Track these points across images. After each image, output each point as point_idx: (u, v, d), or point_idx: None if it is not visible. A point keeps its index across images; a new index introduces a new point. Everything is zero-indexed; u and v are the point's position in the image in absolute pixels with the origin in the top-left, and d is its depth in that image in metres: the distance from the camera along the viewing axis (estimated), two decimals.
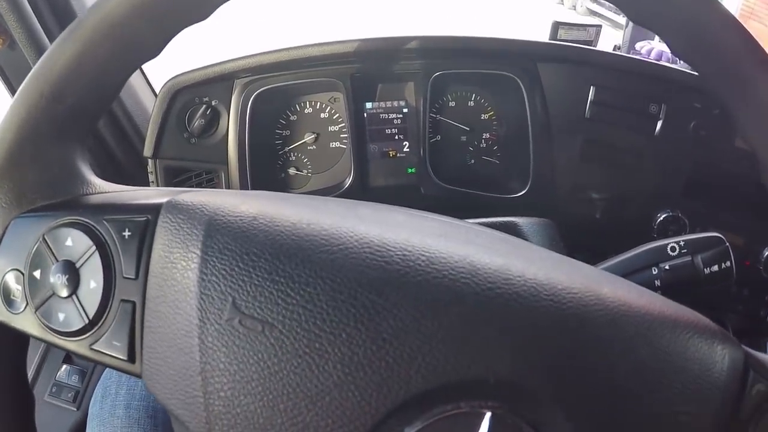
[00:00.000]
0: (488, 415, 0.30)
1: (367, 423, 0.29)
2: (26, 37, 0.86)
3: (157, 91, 0.92)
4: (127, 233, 0.34)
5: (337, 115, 1.01)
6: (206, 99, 0.92)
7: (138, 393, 0.73)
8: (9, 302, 0.35)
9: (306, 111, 1.01)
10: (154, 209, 0.34)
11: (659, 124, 0.94)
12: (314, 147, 1.02)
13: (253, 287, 0.31)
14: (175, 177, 0.95)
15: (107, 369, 0.80)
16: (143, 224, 0.34)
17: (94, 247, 0.34)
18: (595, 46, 1.01)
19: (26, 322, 0.35)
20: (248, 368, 0.30)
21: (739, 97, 0.39)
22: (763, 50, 0.38)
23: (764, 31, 5.54)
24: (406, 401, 0.30)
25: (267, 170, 1.00)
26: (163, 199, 0.35)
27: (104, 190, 0.38)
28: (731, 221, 0.94)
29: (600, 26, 1.05)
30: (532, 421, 0.30)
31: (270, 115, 0.99)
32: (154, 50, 0.38)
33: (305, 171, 1.03)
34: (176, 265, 0.32)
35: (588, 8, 7.11)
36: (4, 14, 0.84)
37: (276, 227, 0.33)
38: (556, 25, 1.01)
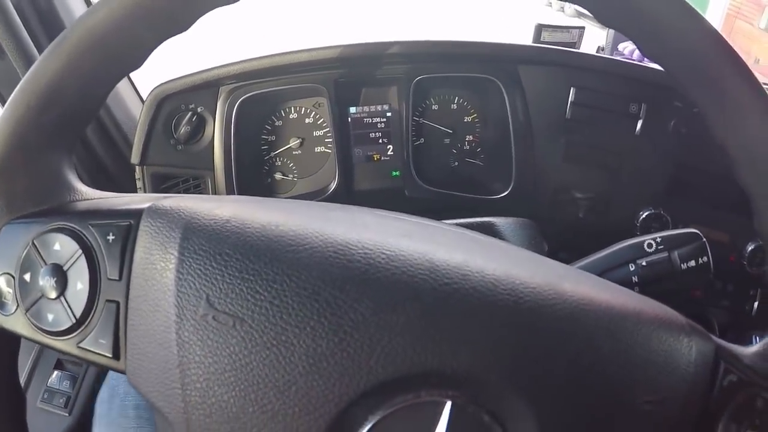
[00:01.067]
0: (449, 404, 0.31)
1: (331, 411, 0.31)
2: (15, 48, 0.87)
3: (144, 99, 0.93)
4: (111, 237, 0.35)
5: (322, 119, 1.02)
6: (192, 106, 0.94)
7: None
8: (0, 304, 0.37)
9: (291, 116, 1.02)
10: (137, 214, 0.36)
11: (640, 123, 0.96)
12: (299, 152, 1.03)
13: (225, 285, 0.33)
14: (162, 183, 0.96)
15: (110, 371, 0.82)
16: (126, 228, 0.35)
17: (80, 251, 0.36)
18: (578, 47, 1.02)
19: (17, 323, 0.37)
20: (221, 360, 0.32)
21: (706, 95, 0.40)
22: (729, 47, 0.39)
23: (751, 31, 5.56)
24: (367, 391, 0.31)
25: (253, 175, 1.01)
26: (145, 205, 0.36)
27: (90, 196, 0.40)
28: (714, 218, 0.96)
29: (583, 28, 1.06)
30: (492, 411, 0.32)
31: (255, 121, 1.00)
32: (136, 62, 0.40)
33: (291, 176, 1.04)
34: (156, 265, 0.34)
35: (576, 9, 7.13)
36: None
37: (247, 229, 0.34)
38: (539, 28, 1.03)
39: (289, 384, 0.31)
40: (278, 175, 1.04)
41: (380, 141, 1.03)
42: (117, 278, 0.35)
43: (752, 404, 0.37)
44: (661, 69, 0.42)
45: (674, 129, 0.95)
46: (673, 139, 0.95)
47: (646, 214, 0.97)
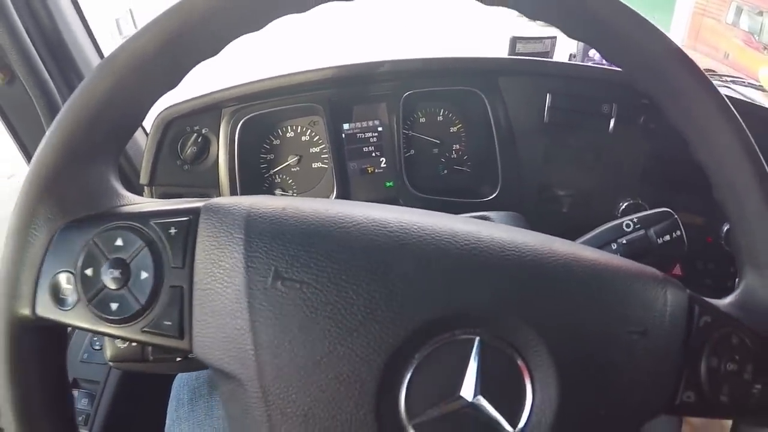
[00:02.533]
0: (477, 339, 0.39)
1: (387, 350, 0.37)
2: (28, 72, 0.93)
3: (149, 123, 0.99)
4: (173, 230, 0.40)
5: (318, 137, 1.09)
6: (197, 128, 1.00)
7: (205, 392, 0.78)
8: (59, 300, 0.40)
9: (288, 135, 1.09)
10: (194, 212, 0.41)
11: (612, 122, 1.04)
12: (298, 168, 1.10)
13: (290, 257, 0.39)
14: None
15: (179, 375, 0.86)
16: (186, 223, 0.40)
17: (143, 244, 0.40)
18: (551, 56, 1.11)
19: (77, 316, 0.40)
20: (290, 319, 0.38)
21: (656, 87, 0.47)
22: (669, 41, 0.46)
23: (717, 27, 5.80)
24: (414, 331, 0.38)
25: (256, 192, 1.07)
26: (200, 204, 0.42)
27: (135, 201, 0.44)
28: (689, 202, 1.03)
29: (555, 38, 1.15)
30: (511, 342, 0.39)
31: (255, 140, 1.06)
32: (174, 82, 0.45)
33: (291, 191, 1.10)
34: (223, 249, 0.39)
35: None
36: (7, 51, 0.92)
37: (302, 213, 0.41)
38: (514, 40, 1.11)
39: (351, 331, 0.37)
40: (279, 191, 1.09)
41: (373, 154, 1.10)
42: (180, 266, 0.40)
43: (728, 341, 0.44)
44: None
45: (644, 125, 1.03)
46: (643, 134, 1.03)
47: (625, 204, 1.05)
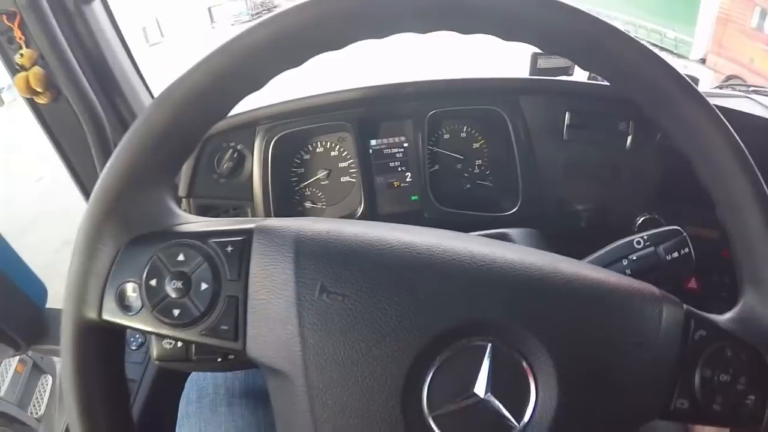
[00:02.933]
0: (489, 345, 0.45)
1: (413, 352, 0.43)
2: (73, 91, 1.00)
3: None
4: (229, 248, 0.46)
5: (346, 152, 1.15)
6: (233, 144, 1.06)
7: (237, 391, 0.85)
8: (124, 307, 0.45)
9: (318, 150, 1.15)
10: (248, 232, 0.47)
11: (629, 139, 1.08)
12: (327, 182, 1.15)
13: (334, 274, 0.44)
14: (206, 213, 1.08)
15: (193, 374, 0.91)
16: (241, 242, 0.46)
17: (203, 260, 0.46)
18: (572, 72, 1.14)
19: (142, 320, 0.45)
20: (333, 326, 0.44)
21: (657, 111, 0.50)
22: (665, 64, 0.48)
23: (742, 32, 5.73)
24: (436, 338, 0.44)
25: (287, 204, 1.13)
26: (251, 225, 0.47)
27: (191, 220, 0.50)
28: (704, 217, 1.04)
29: None
30: (519, 349, 0.45)
31: (287, 155, 1.13)
32: (225, 111, 0.50)
33: (320, 204, 1.16)
34: (275, 266, 0.45)
35: None
36: (56, 72, 0.99)
37: (344, 236, 0.46)
38: (535, 56, 1.15)
39: (383, 336, 0.43)
40: (308, 204, 1.15)
41: (399, 169, 1.15)
42: (236, 279, 0.45)
43: (722, 354, 0.48)
44: None
45: (660, 141, 1.07)
46: (660, 150, 1.07)
47: (642, 219, 1.08)
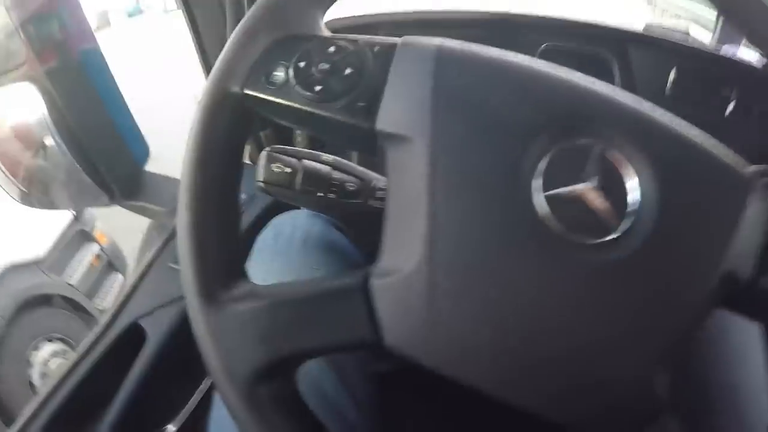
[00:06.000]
0: (600, 147, 0.47)
1: (534, 140, 0.46)
2: None
3: None
4: (377, 48, 0.49)
5: None
6: None
7: (314, 235, 0.83)
8: (269, 82, 0.49)
9: None
10: (393, 42, 0.50)
11: (731, 106, 1.09)
12: None
13: (474, 78, 0.48)
14: None
15: (274, 220, 0.92)
16: (388, 45, 0.49)
17: (353, 51, 0.49)
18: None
19: (282, 94, 0.49)
20: (466, 108, 0.47)
21: None
22: None
23: None
24: (555, 132, 0.47)
25: None
26: (397, 40, 0.50)
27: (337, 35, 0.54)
28: None
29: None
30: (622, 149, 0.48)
31: None
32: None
33: None
34: (416, 65, 0.48)
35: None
36: None
37: (482, 53, 0.50)
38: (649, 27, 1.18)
39: (516, 123, 0.46)
40: None
41: None
42: (379, 72, 0.48)
43: None
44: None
45: (760, 117, 1.08)
46: (760, 126, 1.07)
47: None
